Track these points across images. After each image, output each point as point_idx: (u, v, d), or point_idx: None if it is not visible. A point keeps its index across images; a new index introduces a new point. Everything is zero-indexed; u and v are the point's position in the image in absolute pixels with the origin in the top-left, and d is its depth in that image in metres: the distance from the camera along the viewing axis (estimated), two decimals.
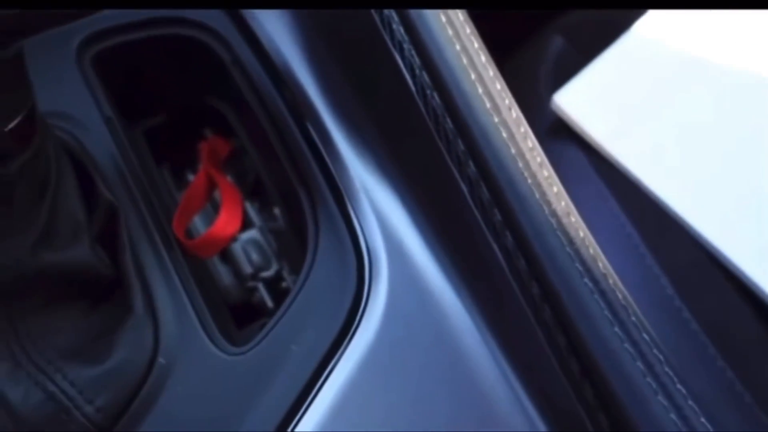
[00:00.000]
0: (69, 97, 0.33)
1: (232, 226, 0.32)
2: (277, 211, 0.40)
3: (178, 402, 0.27)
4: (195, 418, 0.27)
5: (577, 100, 0.43)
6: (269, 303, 0.37)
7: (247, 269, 0.37)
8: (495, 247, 0.24)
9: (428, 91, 0.25)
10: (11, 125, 0.25)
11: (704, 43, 0.44)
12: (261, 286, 0.37)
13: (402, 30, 0.28)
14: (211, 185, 0.35)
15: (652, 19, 0.45)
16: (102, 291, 0.28)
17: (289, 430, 0.26)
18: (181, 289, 0.29)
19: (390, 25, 0.28)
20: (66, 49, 0.34)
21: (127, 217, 0.29)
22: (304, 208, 0.31)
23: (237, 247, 0.37)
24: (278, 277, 0.37)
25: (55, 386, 0.26)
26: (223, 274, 0.39)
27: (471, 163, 0.24)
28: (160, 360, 0.27)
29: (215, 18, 0.34)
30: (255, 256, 0.37)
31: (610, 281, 0.23)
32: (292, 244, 0.38)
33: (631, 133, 0.41)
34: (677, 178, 0.40)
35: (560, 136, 0.43)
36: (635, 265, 0.38)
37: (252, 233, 0.38)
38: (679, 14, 0.45)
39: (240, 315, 0.35)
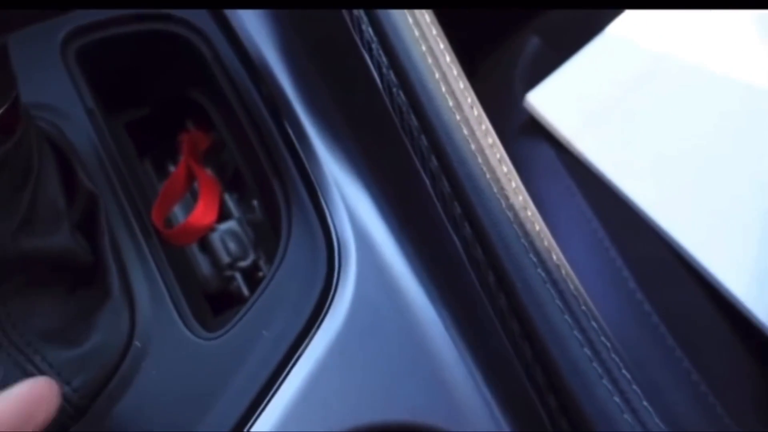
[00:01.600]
0: (52, 89, 0.34)
1: (209, 216, 0.33)
2: (255, 202, 0.41)
3: (153, 383, 0.28)
4: (169, 399, 0.28)
5: (550, 99, 0.44)
6: (245, 291, 0.38)
7: (225, 259, 0.38)
8: (455, 237, 0.26)
9: (394, 89, 0.26)
10: None
11: (673, 45, 0.45)
12: (238, 276, 0.38)
13: (371, 31, 0.29)
14: (191, 176, 0.36)
15: (626, 20, 0.46)
16: (81, 276, 0.30)
17: (259, 411, 0.27)
18: (157, 275, 0.30)
19: (360, 25, 0.29)
20: (50, 43, 0.35)
21: (106, 205, 0.31)
22: (278, 199, 0.32)
23: (215, 237, 0.38)
24: (255, 267, 0.38)
25: (33, 367, 0.27)
26: (202, 263, 0.40)
27: (433, 158, 0.26)
28: (136, 343, 0.28)
29: (198, 15, 0.35)
30: (233, 246, 0.38)
31: (563, 272, 0.25)
32: (270, 235, 0.39)
33: (599, 131, 0.43)
34: (642, 175, 0.41)
35: (532, 134, 0.44)
36: (599, 258, 0.39)
37: (230, 224, 0.39)
38: (652, 16, 0.46)
39: (217, 303, 0.36)
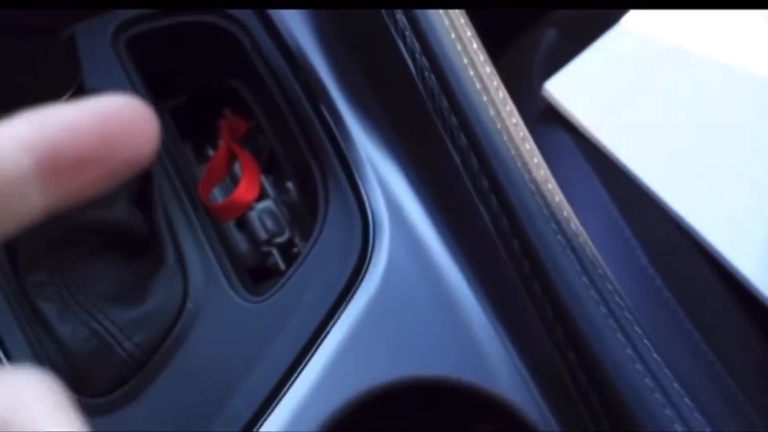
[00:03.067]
0: (105, 77, 0.36)
1: (252, 192, 0.36)
2: (289, 185, 0.44)
3: (205, 341, 0.31)
4: (219, 356, 0.30)
5: (567, 87, 0.46)
6: (282, 266, 0.40)
7: (262, 235, 0.41)
8: (482, 209, 0.28)
9: (426, 74, 0.29)
10: (64, 98, 0.28)
11: (687, 34, 0.47)
12: (275, 251, 0.41)
13: (404, 19, 0.31)
14: (232, 157, 0.38)
15: (640, 12, 0.48)
16: (137, 246, 0.32)
17: (301, 367, 0.30)
18: (206, 245, 0.32)
19: (394, 14, 0.32)
20: (102, 35, 0.37)
21: (159, 182, 0.33)
22: (315, 178, 0.35)
23: (253, 216, 0.41)
24: (290, 243, 0.41)
25: (98, 324, 0.30)
26: (240, 240, 0.42)
27: (462, 136, 0.28)
28: (189, 305, 0.31)
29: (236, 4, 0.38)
30: (269, 224, 0.41)
31: (581, 239, 0.27)
32: (303, 215, 0.41)
33: (615, 117, 0.45)
34: (656, 160, 0.43)
35: (550, 121, 0.47)
36: (614, 237, 0.41)
37: (267, 203, 0.42)
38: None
39: (255, 277, 0.39)
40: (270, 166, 0.45)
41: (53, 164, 0.15)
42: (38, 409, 0.15)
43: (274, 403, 0.29)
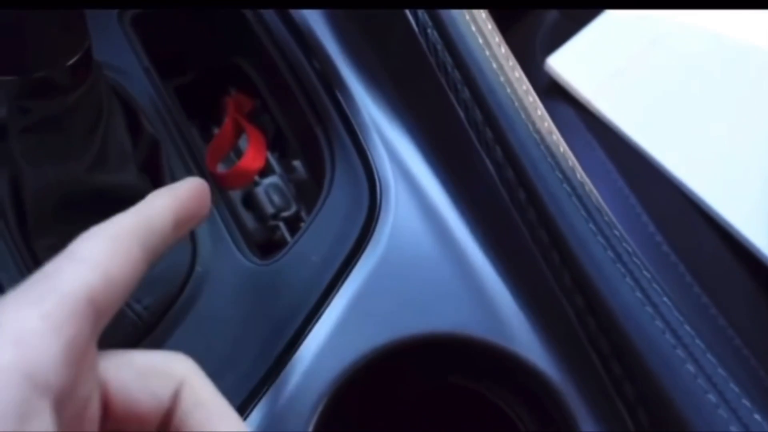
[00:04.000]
0: (112, 51, 0.37)
1: (258, 161, 0.36)
2: (295, 163, 0.44)
3: (214, 302, 0.31)
4: (228, 318, 0.31)
5: (569, 62, 0.47)
6: (289, 239, 0.41)
7: (269, 210, 0.41)
8: (487, 161, 0.28)
9: (429, 30, 0.29)
10: (72, 61, 0.29)
11: (684, 9, 0.47)
12: (281, 225, 0.41)
13: None
14: (238, 130, 0.39)
15: None
16: None
17: (310, 326, 0.30)
18: (214, 209, 0.33)
19: None
20: (109, 11, 0.38)
21: (167, 151, 0.34)
22: (321, 145, 0.35)
23: (260, 191, 0.41)
24: (297, 217, 0.41)
25: None
26: (247, 218, 0.43)
27: (466, 90, 0.28)
28: (198, 269, 0.31)
29: None
30: (276, 198, 0.41)
31: (586, 188, 0.27)
32: (310, 191, 0.42)
33: (615, 90, 0.45)
34: (657, 129, 0.44)
35: (553, 95, 0.47)
36: (620, 204, 0.41)
37: (273, 179, 0.42)
38: None
39: (263, 252, 0.39)
40: (276, 145, 0.45)
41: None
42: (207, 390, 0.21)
43: (285, 361, 0.29)
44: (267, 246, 0.41)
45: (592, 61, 0.47)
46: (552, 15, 0.52)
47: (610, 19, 0.48)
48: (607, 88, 0.46)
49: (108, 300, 0.20)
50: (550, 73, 0.47)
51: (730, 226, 0.41)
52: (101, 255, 0.21)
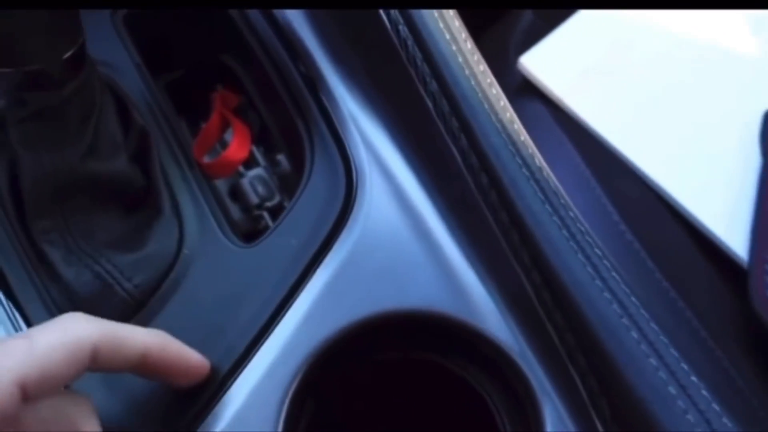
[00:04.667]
0: (105, 48, 0.39)
1: (242, 152, 0.38)
2: (279, 157, 0.46)
3: (200, 282, 0.33)
4: (213, 296, 0.33)
5: (540, 62, 0.49)
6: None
7: (254, 200, 0.43)
8: (453, 148, 0.31)
9: (400, 27, 0.31)
10: (67, 55, 0.31)
11: (652, 12, 0.50)
12: (266, 214, 0.43)
13: None
14: (224, 123, 0.41)
15: None
16: (135, 198, 0.35)
17: (289, 304, 0.32)
18: (200, 197, 0.35)
19: None
20: (101, 10, 0.40)
21: (156, 141, 0.36)
22: (302, 137, 0.37)
23: (245, 182, 0.43)
24: (280, 207, 0.43)
25: (100, 267, 0.32)
26: (233, 208, 0.45)
27: (434, 82, 0.31)
28: (185, 251, 0.33)
29: None
30: (260, 189, 0.43)
31: (544, 173, 0.30)
32: (293, 183, 0.44)
33: (585, 88, 0.48)
34: (624, 125, 0.46)
35: (526, 93, 0.49)
36: (587, 196, 0.44)
37: (258, 171, 0.44)
38: None
39: (248, 239, 0.41)
40: (261, 139, 0.47)
41: None
42: None
43: (265, 335, 0.31)
44: (252, 234, 0.43)
45: (562, 61, 0.49)
46: (526, 17, 0.54)
47: (580, 20, 0.51)
48: (577, 86, 0.48)
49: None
50: (522, 72, 0.49)
51: (692, 216, 0.43)
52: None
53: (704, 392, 0.26)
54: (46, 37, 0.30)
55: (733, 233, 0.43)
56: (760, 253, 0.42)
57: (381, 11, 0.32)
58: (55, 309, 0.32)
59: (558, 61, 0.49)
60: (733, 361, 0.39)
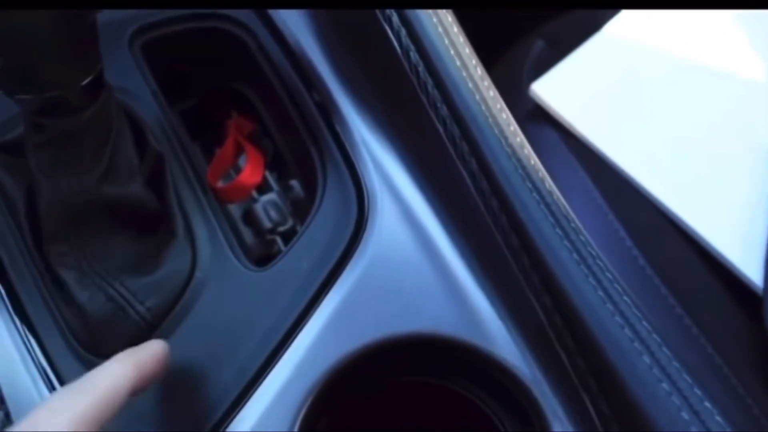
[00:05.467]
0: (123, 75, 0.40)
1: (256, 177, 0.38)
2: (292, 182, 0.47)
3: (212, 305, 0.33)
4: (225, 319, 0.33)
5: (552, 89, 0.50)
6: None
7: (267, 224, 0.43)
8: (464, 172, 0.31)
9: (411, 53, 0.32)
10: (85, 82, 0.31)
11: (658, 41, 0.50)
12: (278, 239, 0.43)
13: (399, 21, 0.34)
14: (238, 149, 0.41)
15: (618, 22, 0.52)
16: (150, 221, 0.35)
17: (301, 326, 0.32)
18: (214, 221, 0.35)
19: (390, 17, 0.35)
20: (120, 38, 0.41)
21: (171, 166, 0.36)
22: (315, 162, 0.37)
23: (258, 207, 0.44)
24: (293, 231, 0.44)
25: (114, 290, 0.32)
26: (246, 234, 0.45)
27: (444, 107, 0.31)
28: (198, 274, 0.34)
29: (243, 13, 0.41)
30: (273, 214, 0.44)
31: (554, 196, 0.30)
32: (306, 208, 0.44)
33: (597, 114, 0.48)
34: (634, 150, 0.46)
35: (538, 120, 0.50)
36: (599, 221, 0.44)
37: (271, 196, 0.45)
38: (642, 18, 0.52)
39: (261, 264, 0.42)
40: (274, 166, 0.48)
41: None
42: None
43: (277, 358, 0.31)
44: (265, 259, 0.43)
45: (573, 88, 0.49)
46: (538, 46, 0.55)
47: (591, 48, 0.51)
48: (588, 113, 0.48)
49: None
50: (534, 99, 0.50)
51: (706, 241, 0.43)
52: None
53: (718, 418, 0.25)
54: (66, 65, 0.30)
55: (747, 259, 0.43)
56: None
57: (392, 37, 0.32)
58: (68, 331, 0.33)
59: (569, 87, 0.49)
60: (749, 388, 0.39)
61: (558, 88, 0.49)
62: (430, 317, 0.31)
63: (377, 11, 0.35)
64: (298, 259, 0.34)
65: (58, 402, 0.25)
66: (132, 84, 0.39)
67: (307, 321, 0.32)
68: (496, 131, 0.30)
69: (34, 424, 0.24)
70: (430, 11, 0.33)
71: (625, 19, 0.52)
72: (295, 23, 0.41)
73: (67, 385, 0.26)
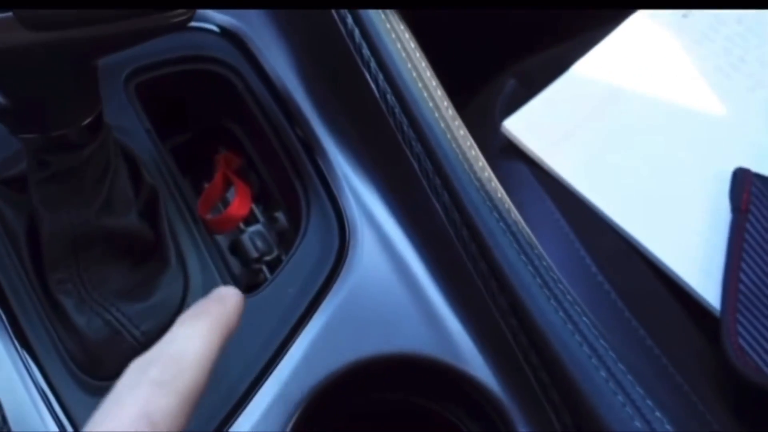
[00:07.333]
0: (118, 114, 0.42)
1: (243, 208, 0.41)
2: (277, 214, 0.49)
3: None
4: None
5: (523, 125, 0.53)
6: None
7: (254, 254, 0.46)
8: (436, 204, 0.34)
9: (388, 96, 0.35)
10: (86, 121, 0.34)
11: (626, 79, 0.54)
12: (264, 268, 0.46)
13: (376, 66, 0.37)
14: (227, 183, 0.44)
15: (586, 61, 0.55)
16: (145, 251, 0.37)
17: (287, 348, 0.34)
18: (204, 251, 0.37)
19: (368, 62, 0.38)
20: (116, 79, 0.43)
21: (164, 198, 0.39)
22: (299, 195, 0.40)
23: (245, 238, 0.46)
24: (279, 260, 0.46)
25: (110, 315, 0.35)
26: (233, 264, 0.47)
27: (418, 145, 0.34)
28: (189, 300, 0.36)
29: (230, 54, 0.44)
30: (260, 244, 0.46)
31: (519, 226, 0.32)
32: (290, 239, 0.47)
33: (564, 149, 0.51)
34: (600, 182, 0.49)
35: (509, 155, 0.53)
36: (566, 249, 0.46)
37: (257, 227, 0.47)
38: (608, 57, 0.55)
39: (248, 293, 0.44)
40: (260, 199, 0.50)
41: None
42: None
43: (265, 377, 0.33)
44: (252, 287, 0.46)
45: (543, 123, 0.53)
46: (510, 85, 0.58)
47: (560, 86, 0.55)
48: (556, 147, 0.51)
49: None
50: (506, 135, 0.53)
51: (668, 268, 0.46)
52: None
53: (668, 426, 0.28)
54: (69, 107, 0.33)
55: (706, 284, 0.45)
56: (731, 303, 0.44)
57: (370, 81, 0.35)
58: (66, 354, 0.35)
59: (538, 124, 0.53)
60: (708, 406, 0.41)
61: (528, 125, 0.53)
62: (408, 338, 0.34)
63: (357, 58, 0.38)
64: (284, 286, 0.36)
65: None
66: (127, 122, 0.42)
67: (293, 343, 0.34)
68: (466, 166, 0.33)
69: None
70: (404, 56, 0.36)
71: (593, 58, 0.55)
72: (280, 66, 0.43)
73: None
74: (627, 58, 0.55)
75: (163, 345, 0.26)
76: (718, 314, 0.44)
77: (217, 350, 0.26)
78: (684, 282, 0.46)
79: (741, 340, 0.43)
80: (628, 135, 0.51)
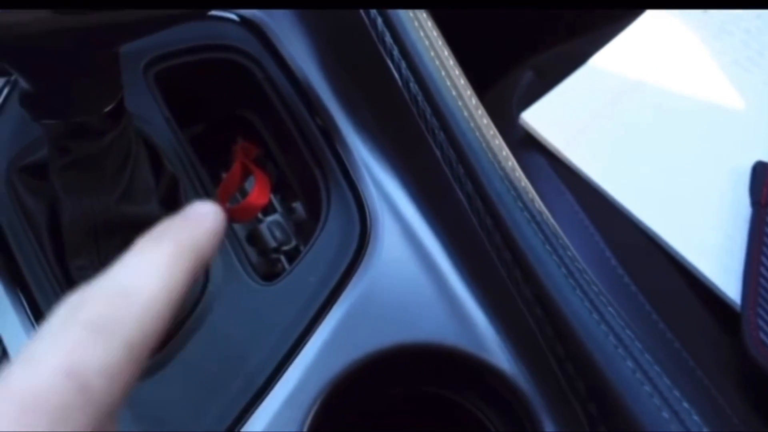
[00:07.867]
0: (138, 103, 0.42)
1: (263, 198, 0.41)
2: (295, 205, 0.49)
3: (223, 318, 0.35)
4: (235, 331, 0.35)
5: (541, 117, 0.52)
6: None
7: (272, 244, 0.46)
8: (460, 194, 0.33)
9: (411, 84, 0.34)
10: (108, 108, 0.34)
11: (643, 72, 0.53)
12: (282, 258, 0.46)
13: (399, 53, 0.37)
14: (246, 173, 0.44)
15: (603, 54, 0.55)
16: None
17: (308, 338, 0.34)
18: (225, 239, 0.37)
19: (391, 51, 0.38)
20: (135, 69, 0.43)
21: (185, 186, 0.38)
22: (319, 184, 0.40)
23: (263, 227, 0.46)
24: (297, 250, 0.46)
25: None
26: (251, 253, 0.47)
27: (441, 133, 0.34)
28: (210, 288, 0.36)
29: (250, 43, 0.44)
30: (278, 234, 0.46)
31: (544, 216, 0.32)
32: (308, 229, 0.46)
33: (582, 141, 0.51)
34: (620, 174, 0.49)
35: (527, 147, 0.52)
36: (586, 242, 0.46)
37: (275, 217, 0.47)
38: (625, 50, 0.55)
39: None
40: (278, 189, 0.50)
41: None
42: None
43: (285, 367, 0.33)
44: (270, 277, 0.46)
45: (561, 116, 0.52)
46: (527, 77, 0.58)
47: (577, 78, 0.54)
48: (575, 139, 0.51)
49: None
50: (524, 127, 0.52)
51: (688, 261, 0.46)
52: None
53: (695, 417, 0.28)
54: (92, 93, 0.33)
55: (726, 278, 0.45)
56: (751, 297, 0.44)
57: (393, 69, 0.35)
58: None
59: (557, 116, 0.52)
60: (728, 399, 0.41)
61: (546, 117, 0.52)
62: (430, 329, 0.34)
63: (379, 45, 0.38)
64: (305, 275, 0.36)
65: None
66: (146, 111, 0.42)
67: (313, 332, 0.34)
68: (490, 156, 0.33)
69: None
70: (427, 44, 0.36)
71: (611, 51, 0.55)
72: (300, 55, 0.43)
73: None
74: (645, 51, 0.55)
75: (107, 277, 0.19)
76: (738, 308, 0.44)
77: (181, 286, 0.20)
78: (704, 276, 0.45)
79: (762, 334, 0.43)
80: (646, 129, 0.51)
